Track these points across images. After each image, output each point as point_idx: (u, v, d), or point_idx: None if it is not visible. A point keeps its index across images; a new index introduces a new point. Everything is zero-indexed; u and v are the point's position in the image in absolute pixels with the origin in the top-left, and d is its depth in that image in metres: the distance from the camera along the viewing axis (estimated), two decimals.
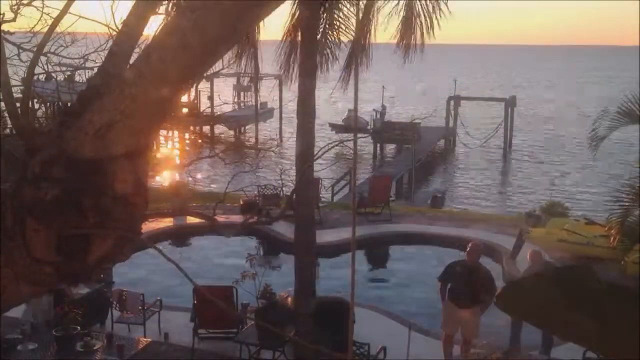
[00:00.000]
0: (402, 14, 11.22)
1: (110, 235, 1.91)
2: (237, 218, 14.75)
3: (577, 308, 1.04)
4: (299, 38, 11.00)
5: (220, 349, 10.28)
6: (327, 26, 11.28)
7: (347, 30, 11.39)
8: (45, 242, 1.85)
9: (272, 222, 13.32)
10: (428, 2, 11.18)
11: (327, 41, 11.36)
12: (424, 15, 11.23)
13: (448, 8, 11.17)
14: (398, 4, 11.22)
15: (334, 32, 11.41)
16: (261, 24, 11.35)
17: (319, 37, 11.16)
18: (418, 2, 11.20)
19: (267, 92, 37.64)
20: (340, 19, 11.33)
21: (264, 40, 12.42)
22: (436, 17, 11.22)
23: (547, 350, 9.75)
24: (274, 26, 11.69)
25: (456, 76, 47.73)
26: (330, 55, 11.49)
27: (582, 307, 1.04)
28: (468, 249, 9.65)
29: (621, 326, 1.03)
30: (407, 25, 11.28)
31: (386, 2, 11.27)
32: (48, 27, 2.48)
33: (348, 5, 11.29)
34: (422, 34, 11.40)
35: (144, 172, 1.93)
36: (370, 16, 11.09)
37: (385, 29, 11.41)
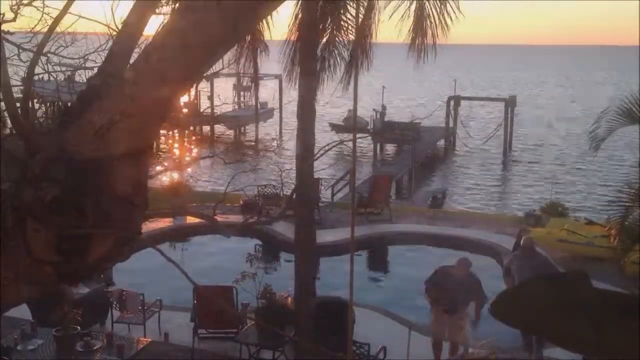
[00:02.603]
0: (412, 15, 11.20)
1: (110, 235, 1.91)
2: (237, 218, 14.74)
3: (572, 315, 1.04)
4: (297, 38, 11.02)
5: (220, 349, 10.28)
6: (333, 27, 11.29)
7: (351, 31, 11.38)
8: (45, 242, 1.85)
9: (272, 222, 13.33)
10: (438, 2, 11.14)
11: (334, 41, 11.36)
12: (436, 16, 11.19)
13: (459, 9, 11.13)
14: (410, 5, 11.20)
15: (340, 33, 11.42)
16: (270, 24, 11.42)
17: (326, 38, 11.17)
18: (427, 2, 11.18)
19: (270, 92, 37.66)
20: (348, 20, 11.33)
21: (269, 41, 12.43)
22: (448, 18, 11.17)
23: (539, 349, 9.72)
24: (282, 26, 11.73)
25: (456, 76, 47.76)
26: (337, 57, 11.51)
27: (578, 314, 1.04)
28: (456, 265, 9.45)
29: (616, 333, 1.03)
30: (419, 26, 11.26)
31: (388, 2, 11.26)
32: (48, 27, 2.49)
33: (353, 6, 11.28)
34: (433, 34, 11.36)
35: (144, 172, 1.94)
36: (372, 16, 11.08)
37: (400, 30, 11.38)
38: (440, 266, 9.82)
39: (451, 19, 11.09)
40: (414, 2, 11.19)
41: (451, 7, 11.05)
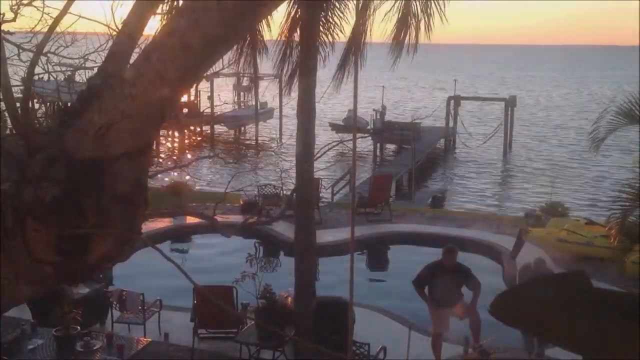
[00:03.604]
0: (398, 14, 11.16)
1: (110, 235, 1.92)
2: (237, 218, 14.74)
3: (572, 315, 1.04)
4: (297, 38, 10.98)
5: (220, 349, 10.28)
6: (321, 26, 11.25)
7: (342, 30, 11.35)
8: (45, 242, 1.85)
9: (272, 222, 13.34)
10: (425, 1, 11.11)
11: (322, 41, 11.33)
12: (421, 15, 11.16)
13: (443, 8, 11.10)
14: (394, 3, 11.17)
15: (330, 32, 11.39)
16: (269, 23, 11.38)
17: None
18: (414, 2, 11.14)
19: (269, 93, 37.62)
20: (334, 19, 11.30)
21: (268, 41, 12.39)
22: (432, 17, 11.14)
23: (541, 348, 9.73)
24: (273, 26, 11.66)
25: (456, 76, 47.76)
26: (323, 55, 11.48)
27: (577, 315, 1.04)
28: (443, 253, 9.64)
29: (616, 333, 1.03)
30: (403, 24, 11.22)
31: (383, 1, 11.22)
32: (48, 27, 2.49)
33: (345, 5, 11.26)
34: (417, 33, 11.32)
35: (144, 172, 1.94)
36: (368, 15, 11.04)
37: (384, 29, 11.35)
38: (429, 264, 9.84)
39: (437, 18, 11.08)
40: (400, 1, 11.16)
41: (436, 6, 11.05)
